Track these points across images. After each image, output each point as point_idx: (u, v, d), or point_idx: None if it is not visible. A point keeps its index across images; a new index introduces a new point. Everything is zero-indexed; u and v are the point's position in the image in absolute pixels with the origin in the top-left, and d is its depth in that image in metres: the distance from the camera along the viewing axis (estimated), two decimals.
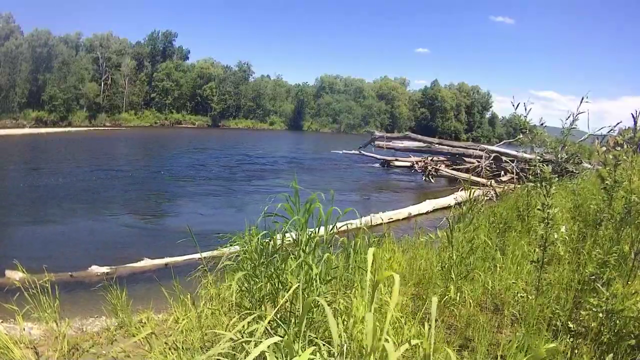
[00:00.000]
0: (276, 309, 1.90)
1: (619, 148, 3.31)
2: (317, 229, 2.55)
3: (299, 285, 1.86)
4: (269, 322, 1.89)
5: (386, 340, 1.32)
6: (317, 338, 1.96)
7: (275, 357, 1.73)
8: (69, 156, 23.32)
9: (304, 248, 2.39)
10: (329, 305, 2.33)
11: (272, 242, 2.58)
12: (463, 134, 79.22)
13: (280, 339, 1.51)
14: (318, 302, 2.27)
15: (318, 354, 1.72)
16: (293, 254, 2.46)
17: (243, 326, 1.92)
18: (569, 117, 4.58)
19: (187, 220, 10.11)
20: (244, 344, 1.84)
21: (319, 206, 2.44)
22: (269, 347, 1.71)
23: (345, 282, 2.90)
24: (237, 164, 23.53)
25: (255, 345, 1.77)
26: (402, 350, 1.29)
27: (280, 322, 2.10)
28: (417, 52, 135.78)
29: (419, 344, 1.66)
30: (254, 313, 1.97)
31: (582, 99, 4.44)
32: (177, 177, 17.73)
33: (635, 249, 2.92)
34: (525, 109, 4.49)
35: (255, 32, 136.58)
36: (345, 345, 1.94)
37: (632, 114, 3.26)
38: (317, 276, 2.20)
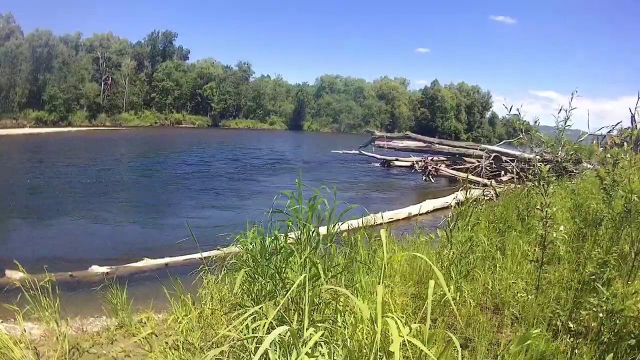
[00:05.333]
0: (281, 303, 1.90)
1: (616, 148, 3.31)
2: (318, 227, 2.55)
3: (303, 278, 1.86)
4: (269, 321, 1.89)
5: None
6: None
7: (277, 356, 1.73)
8: (68, 156, 23.31)
9: (306, 246, 2.40)
10: (329, 303, 2.34)
11: (274, 240, 2.59)
12: (463, 134, 79.15)
13: (288, 328, 1.52)
14: (320, 300, 2.27)
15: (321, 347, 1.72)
16: (295, 252, 2.47)
17: (247, 325, 1.92)
18: (560, 110, 4.59)
19: (188, 220, 10.11)
20: (245, 342, 1.84)
21: (324, 201, 2.45)
22: (270, 345, 1.71)
23: (346, 282, 2.90)
24: (238, 163, 23.53)
25: (260, 341, 1.77)
26: (405, 334, 1.30)
27: (284, 315, 2.10)
28: (417, 51, 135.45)
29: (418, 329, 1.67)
30: (255, 311, 1.97)
31: (572, 95, 4.45)
32: (177, 176, 17.73)
33: (635, 248, 2.92)
34: (519, 112, 4.49)
35: (255, 32, 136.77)
36: (348, 342, 1.94)
37: (629, 108, 3.27)
38: (320, 273, 2.20)
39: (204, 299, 3.24)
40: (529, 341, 2.01)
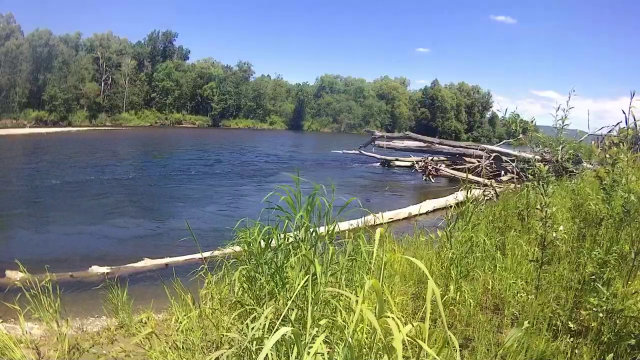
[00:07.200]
0: (285, 309, 1.91)
1: (614, 147, 3.31)
2: (318, 226, 2.55)
3: (307, 279, 1.86)
4: (268, 322, 1.89)
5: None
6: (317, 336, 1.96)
7: (277, 356, 1.73)
8: (69, 156, 23.31)
9: (306, 245, 2.40)
10: (329, 302, 2.34)
11: (274, 239, 2.59)
12: (463, 134, 79.17)
13: (290, 329, 1.52)
14: (319, 300, 2.27)
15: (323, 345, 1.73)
16: (295, 251, 2.47)
17: (247, 325, 1.92)
18: (558, 108, 4.59)
19: (188, 220, 10.09)
20: (246, 343, 1.84)
21: (324, 199, 2.45)
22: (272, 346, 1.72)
23: (346, 281, 2.90)
24: (238, 163, 23.53)
25: (261, 340, 1.77)
26: (406, 330, 1.32)
27: (286, 314, 2.11)
28: (417, 51, 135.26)
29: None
30: (255, 311, 1.97)
31: (569, 95, 4.45)
32: (177, 176, 17.74)
33: (635, 248, 2.92)
34: (514, 113, 4.49)
35: (256, 32, 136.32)
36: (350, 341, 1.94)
37: (622, 110, 3.27)
38: (320, 272, 2.20)
39: (205, 298, 3.24)
40: (519, 332, 2.02)
